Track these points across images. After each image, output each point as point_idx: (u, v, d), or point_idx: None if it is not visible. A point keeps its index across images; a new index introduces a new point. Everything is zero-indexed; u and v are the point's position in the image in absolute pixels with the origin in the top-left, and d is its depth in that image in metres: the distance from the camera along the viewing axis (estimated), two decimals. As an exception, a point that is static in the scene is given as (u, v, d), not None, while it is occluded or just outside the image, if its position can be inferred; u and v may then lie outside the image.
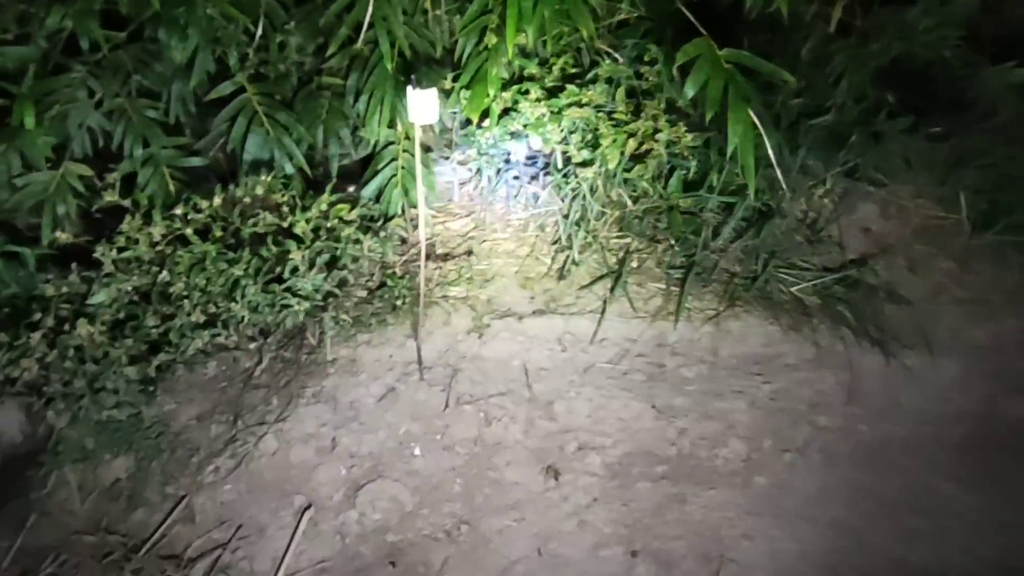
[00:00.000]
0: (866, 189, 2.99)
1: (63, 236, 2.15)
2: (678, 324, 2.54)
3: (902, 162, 3.01)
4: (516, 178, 2.90)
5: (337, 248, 2.25)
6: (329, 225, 2.23)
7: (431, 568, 2.01)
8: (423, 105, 1.86)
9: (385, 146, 2.59)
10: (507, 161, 2.81)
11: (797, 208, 2.93)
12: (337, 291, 2.28)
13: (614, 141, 2.48)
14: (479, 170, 2.84)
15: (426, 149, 2.72)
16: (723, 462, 2.30)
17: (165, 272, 2.05)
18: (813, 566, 2.11)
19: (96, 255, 2.02)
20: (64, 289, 2.05)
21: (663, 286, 2.65)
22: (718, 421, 2.37)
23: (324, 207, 2.24)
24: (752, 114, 1.95)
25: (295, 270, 2.13)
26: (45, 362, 1.95)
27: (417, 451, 2.23)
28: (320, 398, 2.30)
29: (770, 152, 1.99)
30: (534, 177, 2.86)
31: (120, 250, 2.05)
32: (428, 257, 2.69)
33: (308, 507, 2.08)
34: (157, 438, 2.15)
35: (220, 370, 2.34)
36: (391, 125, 2.48)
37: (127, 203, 2.12)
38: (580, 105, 2.47)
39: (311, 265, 2.15)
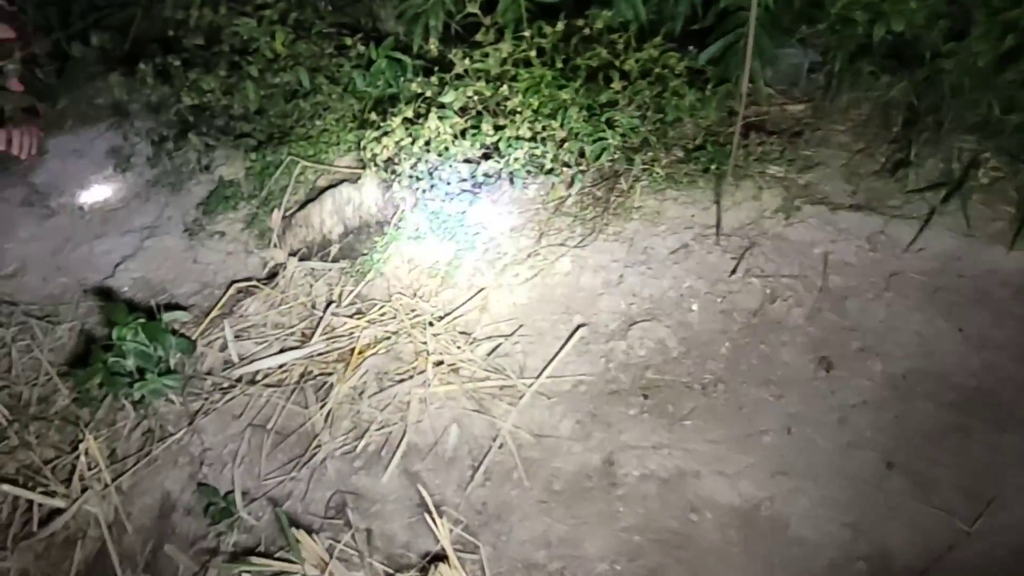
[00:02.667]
0: None
1: (431, 45, 2.37)
2: (1015, 252, 2.19)
3: None
4: (872, 73, 2.62)
5: (661, 97, 2.24)
6: (656, 71, 2.22)
7: (679, 411, 2.02)
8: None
9: (736, 10, 2.47)
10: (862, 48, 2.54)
11: None
12: (653, 138, 2.29)
13: (987, 32, 2.12)
14: (832, 55, 2.61)
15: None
16: (1030, 410, 1.99)
17: (505, 87, 2.20)
18: (1107, 545, 1.79)
19: (451, 57, 2.22)
20: (424, 89, 2.29)
21: (1014, 210, 2.27)
22: (1039, 365, 2.04)
23: (655, 52, 2.22)
24: None
25: (614, 103, 2.17)
26: (400, 145, 2.24)
27: (695, 307, 2.21)
28: (619, 238, 2.35)
29: None
30: (891, 70, 2.56)
31: (473, 61, 2.23)
32: (755, 131, 2.57)
33: (583, 326, 2.18)
34: (475, 236, 2.38)
35: (538, 193, 2.48)
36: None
37: (487, 22, 2.26)
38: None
39: (629, 102, 2.17)
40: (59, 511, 2.00)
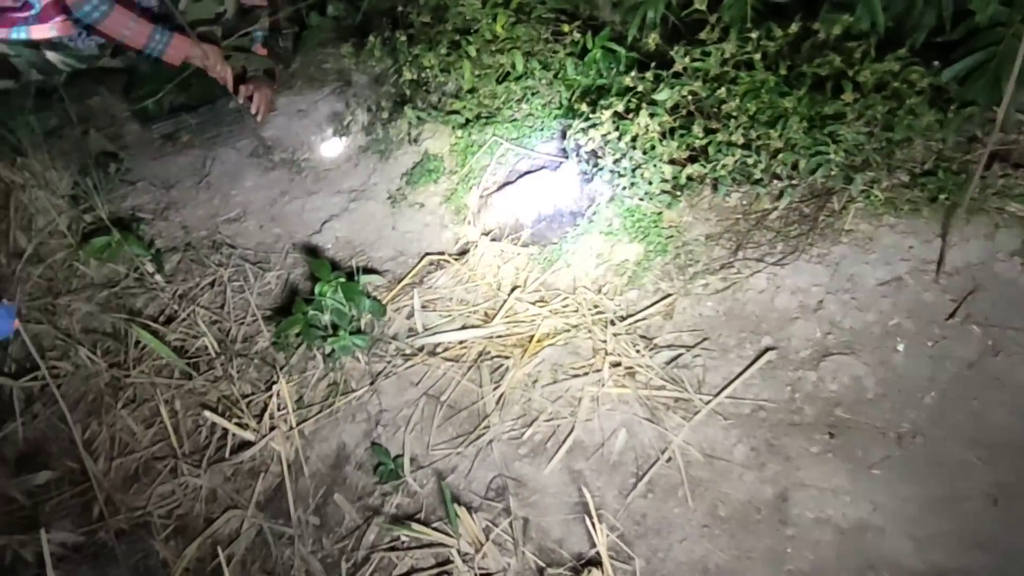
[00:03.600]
0: None
1: (650, 39, 2.29)
2: None
3: None
4: None
5: (894, 114, 2.04)
6: (894, 85, 2.02)
7: (867, 457, 1.85)
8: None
9: (992, 26, 2.19)
10: None
11: None
12: (877, 158, 2.10)
13: None
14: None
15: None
16: None
17: (723, 89, 2.09)
18: None
19: (672, 55, 2.13)
20: (637, 84, 2.22)
21: None
22: None
23: (895, 65, 2.02)
24: None
25: (840, 116, 2.00)
26: (606, 138, 2.19)
27: (900, 347, 2.01)
28: (823, 261, 2.18)
29: None
30: None
31: (693, 59, 2.13)
32: (998, 161, 2.29)
33: (772, 349, 2.05)
34: (668, 239, 2.29)
35: (740, 203, 2.35)
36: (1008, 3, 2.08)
37: (712, 19, 2.15)
38: None
39: (858, 116, 1.99)
40: (249, 443, 2.15)
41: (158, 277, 2.56)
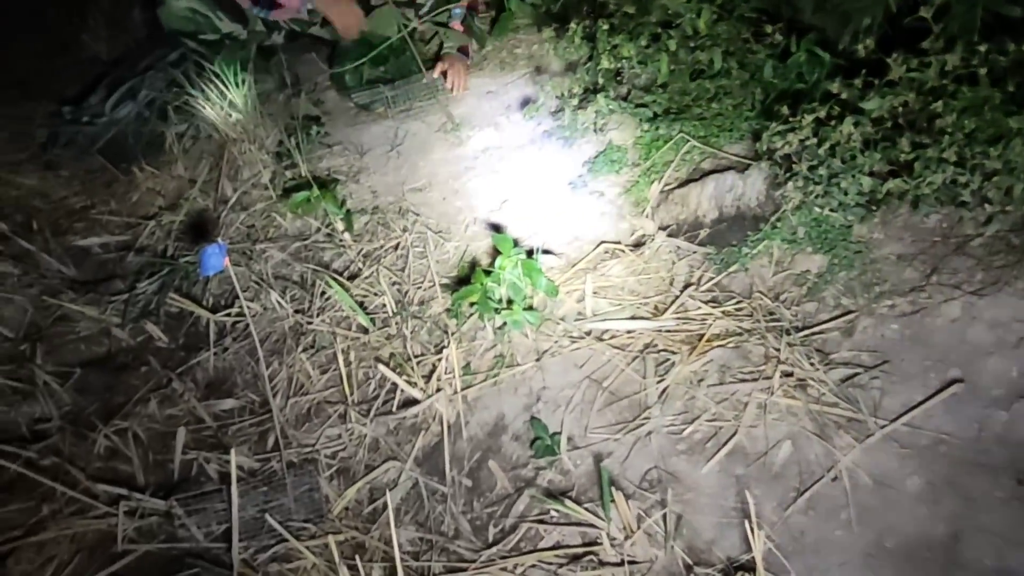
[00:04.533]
0: None
1: (861, 46, 2.19)
2: None
3: None
4: None
5: None
6: None
7: (1060, 511, 1.72)
8: None
9: None
10: None
11: None
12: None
13: None
14: None
15: None
16: None
17: (940, 103, 1.98)
18: None
19: (889, 61, 2.04)
20: (842, 91, 2.14)
21: None
22: None
23: None
24: None
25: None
26: (804, 144, 2.13)
27: (1111, 399, 1.85)
28: (1030, 296, 2.04)
29: None
30: None
31: (909, 69, 2.03)
32: None
33: (959, 382, 1.94)
34: (856, 254, 2.20)
35: (940, 225, 2.22)
36: None
37: (936, 29, 2.04)
38: None
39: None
40: (414, 401, 2.26)
41: (346, 235, 2.73)
